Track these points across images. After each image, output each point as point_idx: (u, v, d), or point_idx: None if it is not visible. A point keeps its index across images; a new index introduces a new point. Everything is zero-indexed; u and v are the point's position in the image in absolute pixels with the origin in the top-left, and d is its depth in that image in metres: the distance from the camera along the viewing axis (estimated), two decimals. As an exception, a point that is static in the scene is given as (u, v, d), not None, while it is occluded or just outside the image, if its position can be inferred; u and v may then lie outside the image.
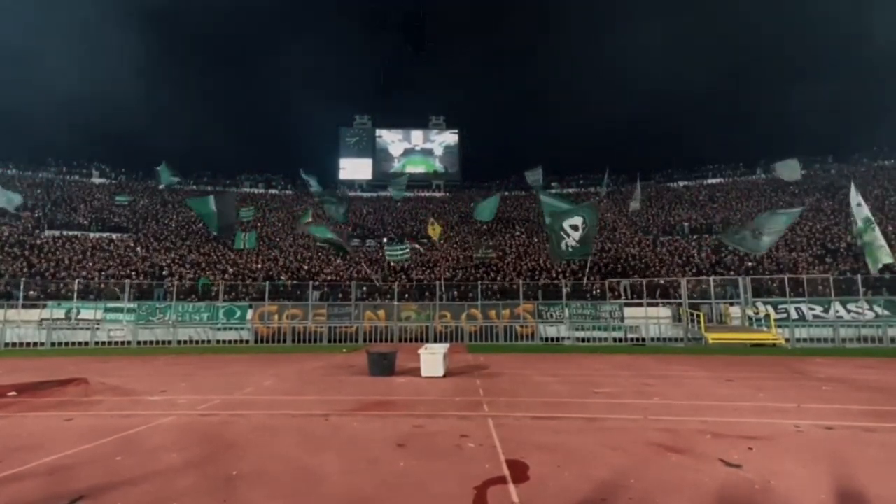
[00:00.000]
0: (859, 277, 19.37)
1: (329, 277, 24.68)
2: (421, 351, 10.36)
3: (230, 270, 25.21)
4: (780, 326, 18.48)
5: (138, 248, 28.04)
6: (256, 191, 44.25)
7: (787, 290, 19.92)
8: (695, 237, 29.88)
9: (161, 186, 37.85)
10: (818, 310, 19.74)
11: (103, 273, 23.80)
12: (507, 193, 43.77)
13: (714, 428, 5.57)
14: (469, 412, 6.63)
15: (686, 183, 42.40)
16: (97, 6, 59.54)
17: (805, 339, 18.74)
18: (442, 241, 30.36)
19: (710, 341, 17.73)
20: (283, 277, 24.59)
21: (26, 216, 30.80)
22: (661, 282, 22.47)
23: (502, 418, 6.23)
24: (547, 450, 4.76)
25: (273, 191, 44.53)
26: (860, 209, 19.03)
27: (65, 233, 30.02)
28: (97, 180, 41.06)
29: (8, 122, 56.13)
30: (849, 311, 19.46)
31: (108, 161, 43.37)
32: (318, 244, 25.79)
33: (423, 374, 10.06)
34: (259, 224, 33.59)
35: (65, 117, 65.04)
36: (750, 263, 23.51)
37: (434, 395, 8.01)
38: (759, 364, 12.26)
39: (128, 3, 66.80)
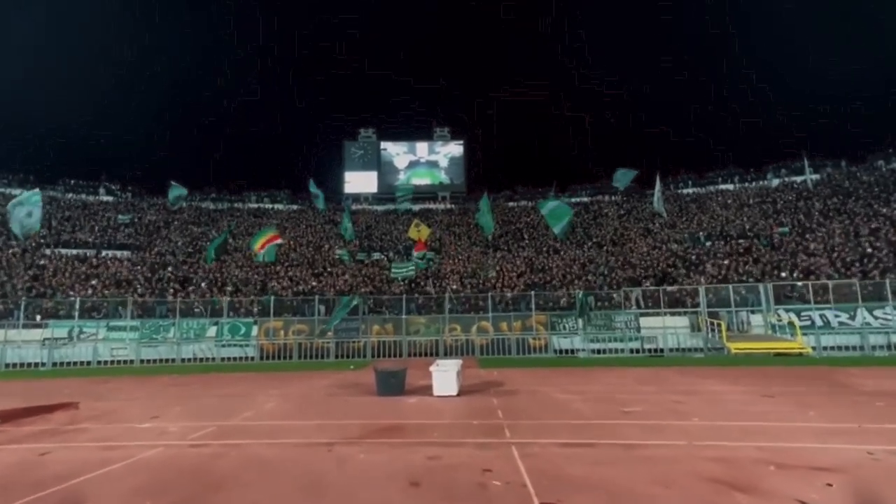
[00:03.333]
0: (887, 282, 18.52)
1: (334, 291, 24.10)
2: (432, 368, 9.69)
3: (228, 288, 24.68)
4: (804, 334, 17.63)
5: (143, 266, 27.63)
6: (262, 206, 43.93)
7: (811, 296, 19.08)
8: (708, 244, 29.09)
9: (171, 206, 37.53)
10: (843, 316, 18.87)
11: (105, 291, 23.37)
12: (513, 204, 43.28)
13: (774, 456, 4.86)
14: (489, 439, 5.95)
15: (696, 190, 41.60)
16: (105, 20, 60.13)
17: (831, 347, 17.89)
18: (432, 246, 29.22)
19: (733, 351, 16.91)
20: (288, 292, 24.05)
21: (33, 235, 30.53)
22: (676, 289, 21.69)
23: (527, 446, 5.54)
24: (587, 489, 4.08)
25: (278, 206, 44.20)
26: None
27: (71, 251, 29.73)
28: (104, 198, 40.92)
29: (14, 140, 56.38)
30: (876, 318, 18.57)
31: (116, 178, 43.23)
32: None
33: (436, 392, 9.38)
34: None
35: (70, 134, 65.46)
36: (783, 274, 22.61)
37: (449, 418, 7.33)
38: (792, 376, 11.47)
39: (134, 16, 67.53)
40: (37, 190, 23.37)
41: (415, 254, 26.47)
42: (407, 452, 5.38)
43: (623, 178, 27.87)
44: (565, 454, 5.19)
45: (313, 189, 28.49)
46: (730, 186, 41.12)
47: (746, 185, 40.48)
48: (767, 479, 4.19)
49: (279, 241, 25.90)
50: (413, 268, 24.80)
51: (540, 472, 4.54)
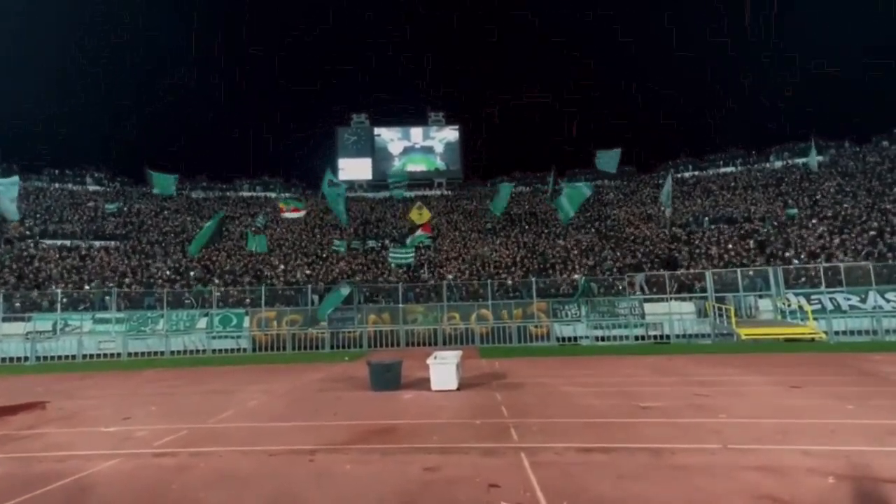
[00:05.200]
0: (900, 263, 17.86)
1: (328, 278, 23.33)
2: (430, 360, 8.97)
3: (213, 279, 23.87)
4: (814, 318, 16.98)
5: (132, 257, 26.78)
6: (255, 194, 42.99)
7: (822, 279, 18.42)
8: (712, 227, 28.35)
9: (156, 191, 36.44)
10: (855, 300, 18.23)
11: (92, 283, 22.54)
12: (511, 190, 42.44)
13: (827, 463, 4.16)
14: (494, 443, 5.23)
15: (697, 173, 40.77)
16: (92, 5, 58.38)
17: (843, 332, 17.27)
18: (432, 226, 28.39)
19: (743, 337, 16.25)
20: (280, 281, 23.28)
21: (15, 226, 29.62)
22: (681, 274, 20.98)
23: (539, 451, 4.84)
24: (616, 512, 3.37)
25: (270, 194, 43.24)
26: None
27: (57, 242, 28.84)
28: (91, 188, 39.87)
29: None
30: (888, 301, 17.93)
31: (104, 167, 42.11)
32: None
33: (434, 387, 8.67)
34: (271, 230, 32.40)
35: (59, 124, 64.05)
36: (788, 254, 21.90)
37: (448, 417, 6.62)
38: (812, 364, 10.83)
39: (126, 5, 65.71)
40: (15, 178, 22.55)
41: (420, 233, 25.85)
42: (400, 462, 4.67)
43: (609, 161, 26.29)
44: (582, 463, 4.48)
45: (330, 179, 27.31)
46: (731, 169, 40.33)
47: (749, 167, 39.68)
48: (832, 497, 3.49)
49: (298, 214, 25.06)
50: (412, 254, 24.00)
51: (556, 488, 3.83)
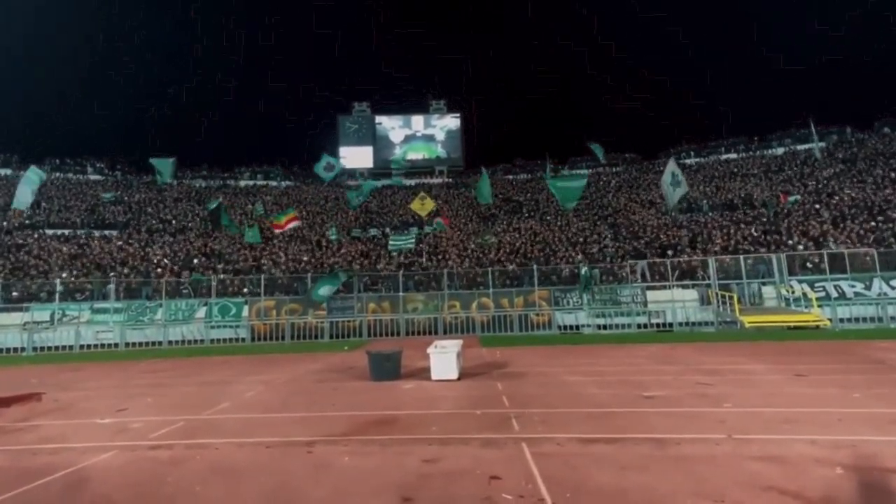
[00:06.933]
0: (904, 249, 17.69)
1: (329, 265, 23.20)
2: (430, 350, 8.87)
3: (217, 266, 23.75)
4: (818, 306, 16.84)
5: (131, 245, 26.66)
6: (256, 183, 42.75)
7: (827, 265, 18.25)
8: (712, 213, 28.13)
9: (160, 182, 36.14)
10: (859, 287, 18.07)
11: (89, 272, 22.43)
12: (511, 177, 42.29)
13: (834, 453, 4.05)
14: (495, 433, 5.13)
15: (699, 160, 40.47)
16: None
17: (847, 319, 17.16)
18: (429, 217, 28.25)
19: (747, 325, 16.12)
20: (280, 270, 23.14)
21: (17, 213, 29.45)
22: (684, 261, 20.80)
23: (541, 442, 4.73)
24: (620, 504, 3.27)
25: (271, 182, 43.02)
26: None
27: (56, 231, 28.74)
28: (92, 177, 39.68)
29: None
30: (893, 288, 17.77)
31: (104, 156, 41.88)
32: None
33: (434, 377, 8.58)
34: (266, 219, 32.22)
35: (59, 112, 63.59)
36: (790, 242, 21.68)
37: (448, 407, 6.52)
38: (816, 351, 10.73)
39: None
40: (42, 174, 22.34)
41: (437, 221, 26.11)
42: (399, 454, 4.57)
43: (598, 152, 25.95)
44: (586, 454, 4.37)
45: (326, 161, 26.54)
46: (733, 156, 40.01)
47: (751, 153, 39.35)
48: (840, 488, 3.38)
49: (297, 222, 24.93)
50: (412, 240, 23.82)
51: (558, 479, 3.73)
